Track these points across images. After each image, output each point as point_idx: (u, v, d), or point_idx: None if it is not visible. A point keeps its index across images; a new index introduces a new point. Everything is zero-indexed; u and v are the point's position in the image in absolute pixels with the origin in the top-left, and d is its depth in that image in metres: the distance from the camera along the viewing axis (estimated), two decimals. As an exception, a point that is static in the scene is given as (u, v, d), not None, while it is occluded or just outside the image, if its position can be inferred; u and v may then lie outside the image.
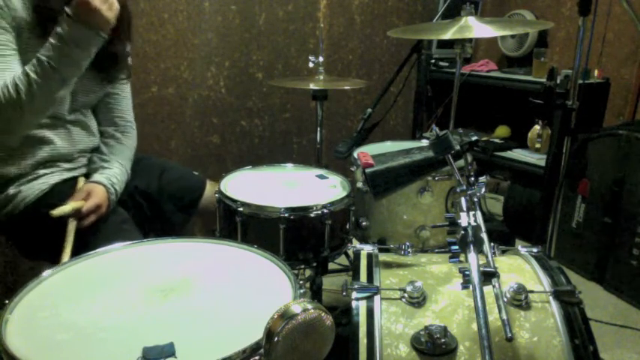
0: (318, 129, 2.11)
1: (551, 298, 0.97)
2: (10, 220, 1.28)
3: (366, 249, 1.16)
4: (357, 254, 1.13)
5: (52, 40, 1.15)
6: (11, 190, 1.27)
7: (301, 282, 0.92)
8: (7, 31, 1.17)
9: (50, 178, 1.31)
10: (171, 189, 1.55)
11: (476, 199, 0.91)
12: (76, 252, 1.12)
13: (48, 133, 1.30)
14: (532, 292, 0.98)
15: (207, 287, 0.94)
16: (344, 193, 1.48)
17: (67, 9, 1.15)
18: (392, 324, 0.94)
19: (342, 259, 1.98)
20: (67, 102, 1.33)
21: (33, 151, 1.29)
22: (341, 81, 2.28)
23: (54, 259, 1.09)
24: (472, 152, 1.10)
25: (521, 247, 1.16)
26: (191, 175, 1.65)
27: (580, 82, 1.74)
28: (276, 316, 0.69)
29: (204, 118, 2.58)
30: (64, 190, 1.30)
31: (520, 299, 0.96)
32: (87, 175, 1.38)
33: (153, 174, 1.55)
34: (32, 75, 1.14)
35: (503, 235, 2.35)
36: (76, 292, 0.91)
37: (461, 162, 1.00)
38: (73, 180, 1.35)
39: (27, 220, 1.27)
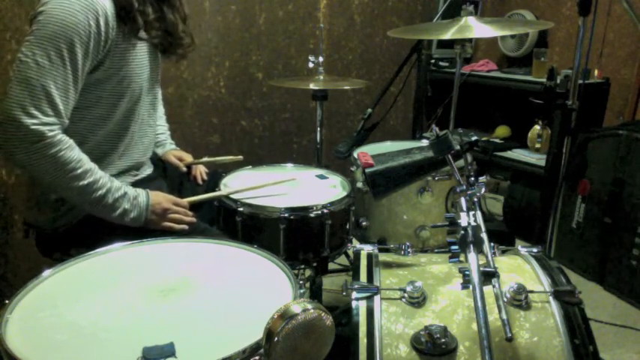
0: (318, 129, 2.11)
1: (551, 298, 0.97)
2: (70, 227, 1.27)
3: (366, 249, 1.16)
4: (357, 254, 1.13)
5: (121, 189, 1.19)
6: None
7: (301, 282, 0.92)
8: (87, 63, 1.13)
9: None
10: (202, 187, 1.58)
11: (476, 199, 0.91)
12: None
13: (133, 143, 1.32)
14: (532, 292, 0.98)
15: (207, 287, 0.94)
16: (344, 193, 1.48)
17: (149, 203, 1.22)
18: (392, 324, 0.94)
19: (342, 259, 1.98)
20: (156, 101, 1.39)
21: (118, 163, 1.30)
22: (341, 81, 2.28)
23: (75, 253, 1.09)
24: (472, 152, 1.10)
25: (521, 247, 1.16)
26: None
27: (580, 82, 1.74)
28: (276, 316, 0.69)
29: (204, 118, 2.58)
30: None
31: (520, 299, 0.96)
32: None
33: (176, 179, 1.57)
34: (91, 178, 1.13)
35: (503, 235, 2.35)
36: (76, 292, 0.91)
37: (461, 162, 1.00)
38: None
39: (85, 227, 1.26)
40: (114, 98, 1.23)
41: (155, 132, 1.47)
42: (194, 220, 1.30)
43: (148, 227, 1.24)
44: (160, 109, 1.62)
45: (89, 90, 1.18)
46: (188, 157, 1.62)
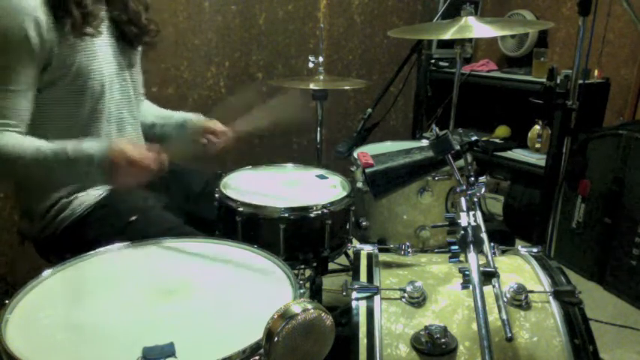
0: (318, 129, 2.11)
1: (551, 298, 0.97)
2: (65, 229, 1.24)
3: (366, 249, 1.16)
4: (357, 254, 1.13)
5: (64, 152, 1.07)
6: (64, 199, 1.23)
7: (301, 282, 0.92)
8: (27, 66, 1.09)
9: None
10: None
11: (476, 199, 0.91)
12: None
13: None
14: (532, 292, 0.97)
15: (207, 287, 0.94)
16: (344, 193, 1.48)
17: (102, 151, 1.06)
18: (392, 324, 0.94)
19: (342, 259, 1.98)
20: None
21: None
22: (341, 81, 2.28)
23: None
24: (472, 152, 1.10)
25: (521, 247, 1.15)
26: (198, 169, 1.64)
27: (580, 82, 1.74)
28: (276, 316, 0.69)
29: (204, 118, 2.58)
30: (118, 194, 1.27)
31: (520, 299, 0.96)
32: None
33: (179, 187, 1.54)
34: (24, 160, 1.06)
35: (503, 235, 2.35)
36: (76, 292, 0.91)
37: (461, 162, 1.00)
38: None
39: (82, 226, 1.24)
40: (73, 97, 1.18)
41: (140, 133, 1.42)
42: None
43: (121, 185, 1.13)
44: (147, 103, 1.58)
45: (45, 91, 1.15)
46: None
